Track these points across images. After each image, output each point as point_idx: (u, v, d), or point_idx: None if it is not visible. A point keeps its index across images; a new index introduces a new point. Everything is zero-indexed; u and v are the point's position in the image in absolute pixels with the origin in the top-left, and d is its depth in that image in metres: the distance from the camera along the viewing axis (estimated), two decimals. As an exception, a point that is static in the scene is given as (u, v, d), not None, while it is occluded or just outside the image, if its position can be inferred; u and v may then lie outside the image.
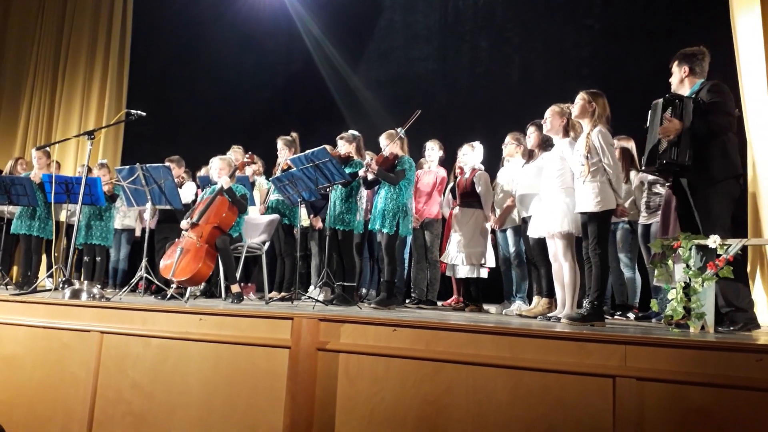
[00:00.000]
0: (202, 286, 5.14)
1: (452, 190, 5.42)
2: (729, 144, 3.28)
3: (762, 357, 2.20)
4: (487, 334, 2.63)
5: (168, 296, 4.49)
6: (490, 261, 5.07)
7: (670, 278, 3.31)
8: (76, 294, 3.82)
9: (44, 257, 6.34)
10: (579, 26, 6.83)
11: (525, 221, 4.46)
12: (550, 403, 2.43)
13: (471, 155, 5.08)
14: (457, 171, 5.39)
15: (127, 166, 4.67)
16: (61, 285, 4.20)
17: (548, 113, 3.92)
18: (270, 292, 5.09)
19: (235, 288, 4.45)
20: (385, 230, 4.55)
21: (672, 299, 3.13)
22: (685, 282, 3.11)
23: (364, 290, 5.66)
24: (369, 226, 4.99)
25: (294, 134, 5.59)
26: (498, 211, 4.91)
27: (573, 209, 3.65)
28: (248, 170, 5.60)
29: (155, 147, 7.70)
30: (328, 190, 4.68)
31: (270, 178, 5.39)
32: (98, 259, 5.95)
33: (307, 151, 4.45)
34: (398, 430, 2.65)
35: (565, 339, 2.51)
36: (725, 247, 3.00)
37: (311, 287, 5.30)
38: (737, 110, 3.47)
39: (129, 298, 4.26)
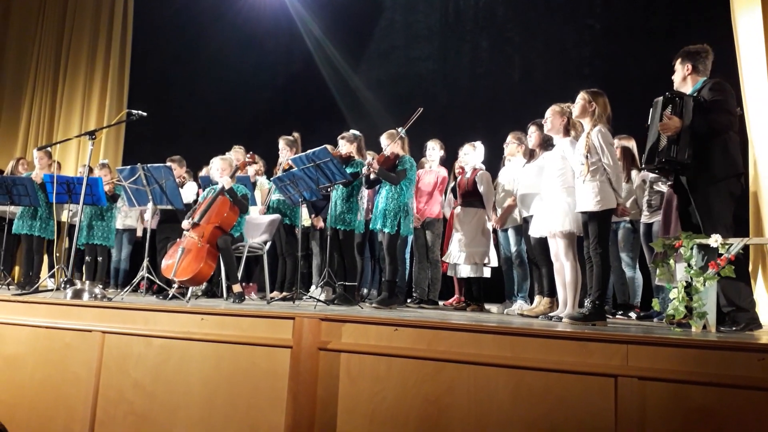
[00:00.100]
0: (204, 286, 5.14)
1: (453, 190, 5.42)
2: (730, 143, 3.27)
3: (764, 356, 2.20)
4: (488, 333, 2.63)
5: (169, 296, 4.49)
6: (493, 260, 5.07)
7: (672, 277, 3.31)
8: (77, 294, 3.83)
9: (46, 257, 6.35)
10: (580, 26, 6.83)
11: (526, 221, 4.46)
12: (552, 402, 2.43)
13: (472, 155, 5.08)
14: (458, 171, 5.40)
15: (129, 166, 4.67)
16: (62, 285, 4.21)
17: (549, 113, 3.92)
18: (271, 291, 5.10)
19: (237, 288, 4.45)
20: (386, 230, 4.55)
21: (673, 298, 3.13)
22: (686, 281, 3.11)
23: (365, 290, 5.67)
24: (370, 226, 4.99)
25: (296, 134, 5.59)
26: (499, 211, 4.91)
27: (574, 208, 3.65)
28: (250, 170, 5.60)
29: (156, 147, 7.71)
30: (329, 189, 4.68)
31: (271, 178, 5.39)
32: (100, 259, 5.96)
33: (308, 151, 4.46)
34: (400, 429, 2.66)
35: (566, 338, 2.51)
36: (727, 246, 3.00)
37: (312, 287, 5.30)
38: (739, 108, 3.45)
39: (131, 298, 4.26)
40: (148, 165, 4.56)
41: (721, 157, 3.25)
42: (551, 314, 3.83)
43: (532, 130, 4.41)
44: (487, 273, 5.02)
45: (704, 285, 3.01)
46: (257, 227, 5.07)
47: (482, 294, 5.07)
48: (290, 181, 4.57)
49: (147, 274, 4.41)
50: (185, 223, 4.54)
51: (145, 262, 4.42)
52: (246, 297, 4.60)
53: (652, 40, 6.11)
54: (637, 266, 4.83)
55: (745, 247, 3.12)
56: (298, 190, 4.56)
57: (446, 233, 5.41)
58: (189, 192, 5.68)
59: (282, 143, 5.63)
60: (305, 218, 5.39)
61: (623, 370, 2.35)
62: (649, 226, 4.63)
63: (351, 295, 4.66)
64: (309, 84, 8.18)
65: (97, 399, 3.22)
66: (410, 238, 5.29)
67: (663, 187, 4.43)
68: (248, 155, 5.23)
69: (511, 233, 4.88)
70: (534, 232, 4.06)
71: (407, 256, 5.44)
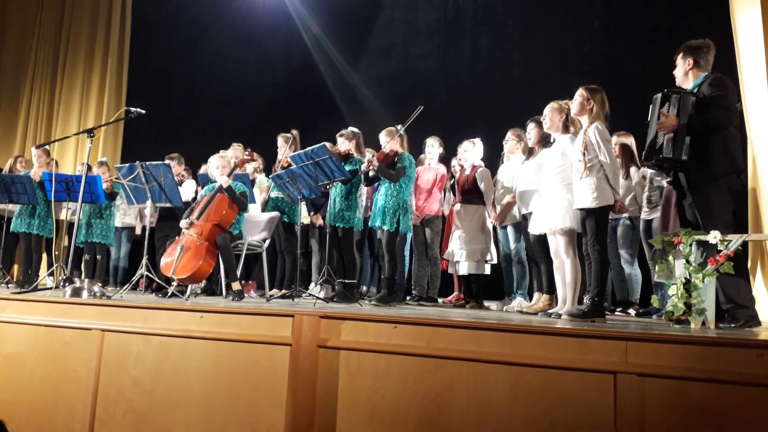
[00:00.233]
0: (203, 283, 5.14)
1: (452, 187, 5.41)
2: (730, 139, 3.27)
3: (763, 353, 2.20)
4: (488, 330, 2.63)
5: (169, 294, 4.49)
6: (493, 257, 5.08)
7: (671, 274, 3.31)
8: (77, 292, 3.82)
9: (45, 256, 6.34)
10: (580, 23, 6.82)
11: (525, 218, 4.46)
12: (552, 399, 2.43)
13: (471, 152, 5.08)
14: (455, 168, 5.40)
15: (127, 164, 4.67)
16: (61, 283, 4.20)
17: (547, 110, 3.92)
18: (271, 289, 5.09)
19: (236, 285, 4.45)
20: (385, 227, 4.55)
21: (672, 295, 3.13)
22: (685, 278, 3.11)
23: (364, 287, 5.67)
24: (369, 224, 4.99)
25: (294, 131, 5.58)
26: (498, 208, 4.91)
27: (575, 205, 3.65)
28: (248, 167, 5.59)
29: (155, 145, 7.70)
30: (328, 187, 4.67)
31: (270, 176, 5.39)
32: (99, 257, 5.95)
33: (307, 149, 4.45)
34: (399, 427, 2.66)
35: (566, 335, 2.51)
36: (725, 243, 3.00)
37: (312, 284, 5.30)
38: (739, 104, 3.44)
39: (130, 296, 4.26)
40: (147, 163, 4.56)
41: (721, 154, 3.24)
42: (550, 311, 3.84)
43: (531, 127, 4.41)
44: (487, 270, 5.02)
45: (703, 281, 3.02)
46: (256, 225, 5.07)
47: (481, 291, 5.07)
48: (289, 178, 4.57)
49: (146, 272, 4.41)
50: (183, 223, 4.54)
51: (144, 260, 4.42)
52: (245, 295, 4.60)
53: (652, 38, 6.11)
54: (636, 263, 4.83)
55: (744, 244, 3.12)
56: (297, 188, 4.56)
57: (445, 230, 5.41)
58: (188, 190, 5.67)
59: (281, 141, 5.62)
60: (304, 216, 5.39)
61: (622, 367, 2.35)
62: (648, 222, 4.63)
63: (350, 293, 4.66)
64: (308, 81, 8.18)
65: (97, 397, 3.22)
66: (409, 236, 5.29)
67: (664, 183, 4.42)
68: (247, 152, 5.22)
69: (510, 230, 4.88)
70: (533, 229, 4.06)
71: (406, 253, 5.44)
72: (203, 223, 4.47)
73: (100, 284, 4.60)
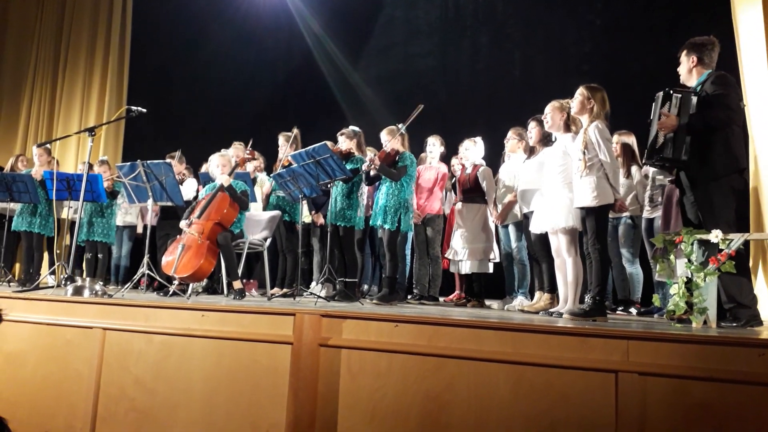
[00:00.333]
0: (204, 282, 5.14)
1: (453, 186, 5.41)
2: (732, 137, 3.25)
3: (764, 352, 2.20)
4: (489, 329, 2.63)
5: (170, 293, 4.49)
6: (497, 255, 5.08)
7: (672, 273, 3.31)
8: (78, 291, 3.83)
9: (46, 254, 6.35)
10: (580, 22, 6.81)
11: (526, 217, 4.46)
12: (553, 398, 2.43)
13: (473, 150, 5.08)
14: (455, 167, 5.40)
15: (128, 163, 4.67)
16: (63, 282, 4.21)
17: (548, 109, 3.92)
18: (272, 288, 5.10)
19: (237, 284, 4.45)
20: (386, 226, 4.55)
21: (674, 294, 3.13)
22: (687, 277, 3.11)
23: (365, 286, 5.67)
24: (370, 223, 4.99)
25: (295, 130, 5.58)
26: (500, 207, 4.91)
27: (574, 204, 3.65)
28: (249, 166, 5.59)
29: (156, 143, 7.70)
30: (329, 186, 4.67)
31: (271, 175, 5.39)
32: (100, 255, 5.95)
33: (308, 147, 4.45)
34: (401, 426, 2.66)
35: (567, 334, 2.51)
36: (727, 242, 3.00)
37: (313, 283, 5.30)
38: (742, 102, 3.43)
39: (131, 294, 4.26)
40: (148, 161, 4.56)
41: (723, 153, 3.23)
42: (552, 310, 3.84)
43: (532, 126, 4.40)
44: (490, 268, 5.03)
45: (705, 280, 3.02)
46: (257, 224, 5.07)
47: (483, 290, 5.07)
48: (290, 177, 4.57)
49: (147, 271, 4.41)
50: (183, 224, 4.55)
51: (146, 259, 4.42)
52: (246, 293, 4.60)
53: (653, 37, 6.10)
54: (638, 262, 4.83)
55: (746, 243, 3.12)
56: (298, 187, 4.56)
57: (446, 229, 5.41)
58: (189, 189, 5.68)
59: (281, 139, 5.62)
60: (305, 215, 5.39)
61: (624, 366, 2.35)
62: (650, 221, 4.63)
63: (351, 292, 4.66)
64: (308, 81, 8.18)
65: (98, 396, 3.23)
66: (410, 235, 5.29)
67: (666, 182, 4.42)
68: (248, 151, 5.22)
69: (511, 229, 4.89)
70: (534, 228, 4.06)
71: (407, 252, 5.44)
72: (204, 222, 4.48)
73: (101, 283, 4.61)
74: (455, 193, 5.27)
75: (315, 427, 2.82)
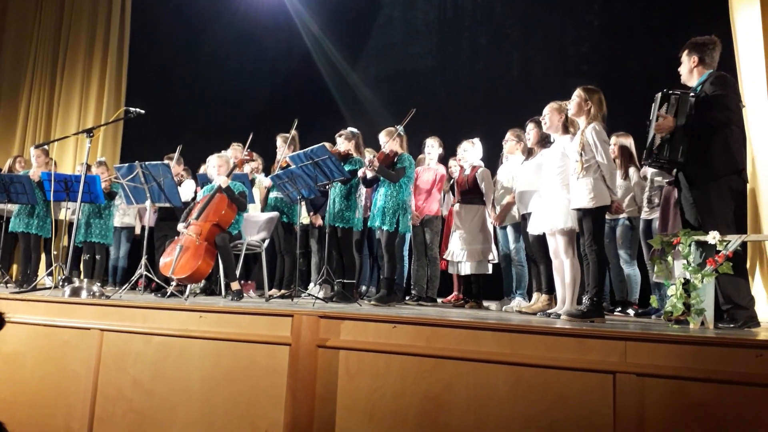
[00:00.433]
0: (202, 283, 5.14)
1: (451, 188, 5.41)
2: (731, 138, 3.24)
3: (762, 353, 2.21)
4: (487, 330, 2.63)
5: (168, 294, 4.49)
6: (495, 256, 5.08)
7: (670, 274, 3.31)
8: (76, 292, 3.82)
9: (43, 255, 6.34)
10: (579, 22, 6.82)
11: (525, 218, 4.46)
12: (551, 399, 2.43)
13: (471, 152, 5.08)
14: (452, 169, 5.40)
15: (126, 164, 4.67)
16: (61, 283, 4.20)
17: (547, 110, 3.92)
18: (270, 289, 5.09)
19: (235, 285, 4.45)
20: (385, 227, 4.55)
21: (672, 295, 3.13)
22: (684, 278, 3.12)
23: (363, 287, 5.67)
24: (368, 224, 4.99)
25: (293, 131, 5.58)
26: (498, 208, 4.91)
27: (571, 205, 3.65)
28: (247, 168, 5.59)
29: (154, 145, 7.69)
30: (327, 187, 4.67)
31: (269, 176, 5.39)
32: (98, 257, 5.95)
33: (307, 149, 4.45)
34: (399, 427, 2.66)
35: (565, 335, 2.51)
36: (724, 243, 3.00)
37: (311, 284, 5.30)
38: (742, 103, 3.43)
39: (129, 295, 4.25)
40: (146, 163, 4.55)
41: (721, 153, 3.23)
42: (550, 311, 3.84)
43: (531, 127, 4.41)
44: (489, 269, 5.03)
45: (702, 282, 3.02)
46: (255, 225, 5.07)
47: (481, 291, 5.07)
48: (288, 178, 4.57)
49: (145, 272, 4.41)
50: (180, 226, 4.54)
51: (144, 260, 4.42)
52: (244, 294, 4.60)
53: (651, 37, 6.11)
54: (636, 263, 4.84)
55: (744, 244, 3.12)
56: (297, 188, 4.56)
57: (445, 231, 5.41)
58: (187, 190, 5.67)
59: (280, 141, 5.62)
60: (304, 216, 5.39)
61: (622, 367, 2.35)
62: (649, 222, 4.63)
63: (349, 293, 4.66)
64: (307, 81, 8.18)
65: (96, 397, 3.22)
66: (409, 236, 5.29)
67: (664, 183, 4.42)
68: (246, 153, 5.22)
69: (509, 230, 4.89)
70: (532, 229, 4.06)
71: (405, 253, 5.44)
72: (202, 223, 4.47)
73: (99, 284, 4.60)
74: (453, 195, 5.27)
75: (313, 427, 2.82)
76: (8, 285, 5.51)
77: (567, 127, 3.85)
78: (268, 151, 5.91)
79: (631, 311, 4.71)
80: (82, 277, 5.98)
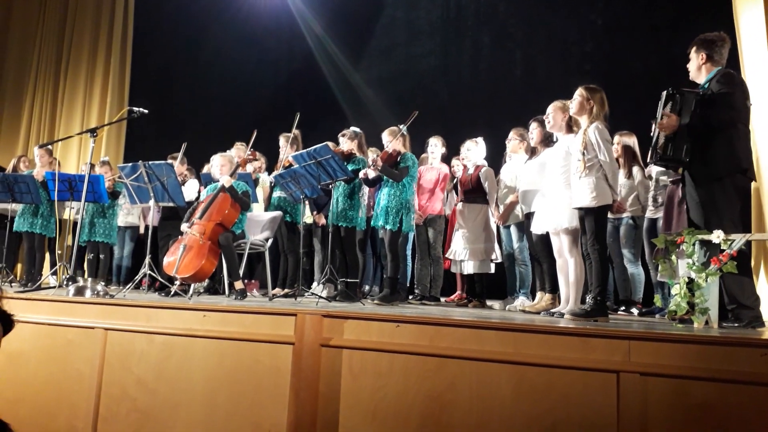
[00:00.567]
0: (206, 282, 5.15)
1: (454, 187, 5.40)
2: (735, 137, 3.22)
3: (766, 352, 2.20)
4: (490, 329, 2.63)
5: (172, 293, 4.50)
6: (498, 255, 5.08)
7: (674, 273, 3.30)
8: (80, 291, 3.83)
9: (48, 255, 6.36)
10: (582, 21, 6.81)
11: (528, 217, 4.46)
12: (554, 398, 2.43)
13: (474, 151, 5.07)
14: (455, 168, 5.39)
15: (130, 164, 4.68)
16: (65, 282, 4.22)
17: (550, 109, 3.92)
18: (273, 288, 5.10)
19: (239, 285, 4.45)
20: (388, 227, 4.55)
21: (676, 294, 3.13)
22: (688, 277, 3.11)
23: (367, 287, 5.67)
24: (372, 223, 4.99)
25: (296, 131, 5.58)
26: (501, 207, 4.91)
27: (573, 204, 3.65)
28: (250, 167, 5.60)
29: (158, 144, 7.71)
30: (330, 186, 4.67)
31: (272, 175, 5.39)
32: (102, 256, 5.97)
33: (310, 148, 4.45)
34: (402, 426, 2.66)
35: (568, 334, 2.51)
36: (729, 242, 2.99)
37: (314, 284, 5.30)
38: (749, 101, 3.41)
39: (133, 295, 4.26)
40: (150, 162, 4.56)
41: (726, 152, 3.21)
42: (553, 310, 3.83)
43: (534, 126, 4.40)
44: (492, 268, 5.02)
45: (706, 281, 3.01)
46: (258, 224, 5.08)
47: (484, 290, 5.07)
48: (291, 178, 4.57)
49: (149, 271, 4.42)
50: (184, 226, 4.55)
51: (147, 259, 4.43)
52: (248, 294, 4.61)
53: (654, 36, 6.10)
54: (639, 262, 4.83)
55: (748, 243, 3.11)
56: (300, 187, 4.56)
57: (448, 230, 5.41)
58: (190, 189, 5.68)
59: (282, 140, 5.62)
60: (307, 215, 5.39)
61: (625, 366, 2.35)
62: (653, 221, 4.61)
63: (353, 292, 4.66)
64: (310, 81, 8.18)
65: (100, 396, 3.23)
66: (412, 235, 5.29)
67: (669, 182, 4.41)
68: (249, 152, 5.22)
69: (513, 230, 4.88)
70: (536, 228, 4.06)
71: (409, 252, 5.44)
72: (206, 223, 4.48)
73: (103, 283, 4.62)
74: (456, 194, 5.27)
75: (316, 427, 2.82)
76: (13, 284, 5.53)
77: (570, 126, 3.85)
78: (271, 150, 5.92)
79: (634, 310, 4.70)
80: (86, 276, 6.00)
